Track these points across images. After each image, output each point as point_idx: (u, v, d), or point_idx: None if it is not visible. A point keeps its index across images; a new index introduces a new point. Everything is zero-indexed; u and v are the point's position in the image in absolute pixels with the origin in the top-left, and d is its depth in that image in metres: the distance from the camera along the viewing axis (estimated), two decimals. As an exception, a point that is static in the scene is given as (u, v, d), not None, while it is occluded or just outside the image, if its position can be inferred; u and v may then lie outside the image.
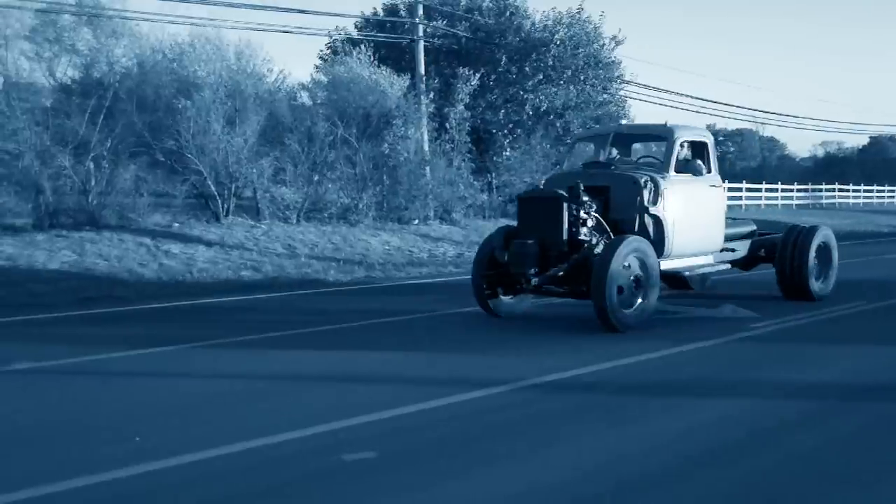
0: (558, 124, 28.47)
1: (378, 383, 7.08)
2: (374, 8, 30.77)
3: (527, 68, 28.05)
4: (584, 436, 5.64)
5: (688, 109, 76.15)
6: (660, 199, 9.95)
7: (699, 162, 10.64)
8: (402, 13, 29.30)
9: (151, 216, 17.85)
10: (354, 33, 28.86)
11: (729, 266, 11.42)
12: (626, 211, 9.96)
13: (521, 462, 5.13)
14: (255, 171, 19.21)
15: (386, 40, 27.38)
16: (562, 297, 10.14)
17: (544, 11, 29.18)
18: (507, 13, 28.79)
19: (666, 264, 10.08)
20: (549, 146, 26.97)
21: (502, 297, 10.37)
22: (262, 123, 19.65)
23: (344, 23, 30.56)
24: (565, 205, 9.61)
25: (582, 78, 28.19)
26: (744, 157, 74.47)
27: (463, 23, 28.72)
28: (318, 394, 6.77)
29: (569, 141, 11.94)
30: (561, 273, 9.54)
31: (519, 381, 7.05)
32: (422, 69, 25.97)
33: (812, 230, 11.92)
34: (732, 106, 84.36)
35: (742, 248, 11.68)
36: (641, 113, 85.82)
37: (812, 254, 11.63)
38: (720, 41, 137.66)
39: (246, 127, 19.15)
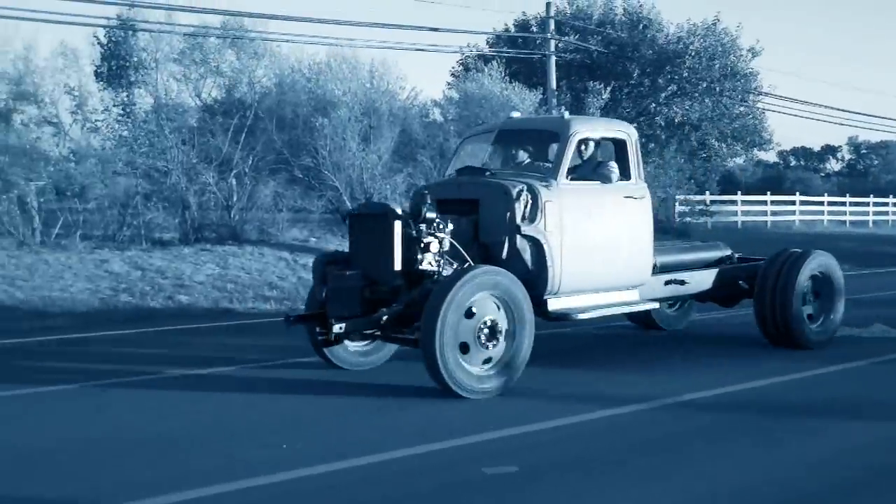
0: (693, 137, 27.98)
1: (514, 397, 7.08)
2: (506, 24, 31.00)
3: (660, 81, 27.70)
4: (724, 457, 5.50)
5: (828, 121, 73.49)
6: (540, 214, 7.54)
7: (612, 165, 8.26)
8: (534, 29, 29.40)
9: (289, 231, 18.40)
10: (486, 50, 29.09)
11: (656, 306, 8.90)
12: (496, 232, 7.63)
13: (662, 482, 5.04)
14: (388, 186, 19.55)
15: (517, 56, 27.49)
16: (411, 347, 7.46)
17: (678, 23, 28.76)
18: (641, 26, 28.51)
19: (555, 304, 7.76)
20: (683, 160, 26.54)
21: (347, 343, 7.98)
22: (396, 140, 19.98)
23: (475, 40, 30.83)
24: (398, 224, 7.25)
25: (718, 90, 27.64)
26: (889, 171, 71.17)
27: (595, 37, 28.57)
28: (457, 406, 6.82)
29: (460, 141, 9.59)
30: (385, 317, 7.22)
31: (656, 400, 6.93)
32: (553, 84, 25.98)
33: (802, 256, 9.20)
34: (877, 117, 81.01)
35: (701, 279, 9.13)
36: (780, 125, 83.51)
37: (800, 288, 9.02)
38: (863, 51, 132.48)
39: (380, 144, 19.51)
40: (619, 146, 8.43)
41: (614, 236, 8.09)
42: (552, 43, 26.65)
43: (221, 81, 20.58)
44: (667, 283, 8.76)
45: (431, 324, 6.77)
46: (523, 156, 8.64)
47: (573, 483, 5.00)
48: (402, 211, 7.39)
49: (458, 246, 7.45)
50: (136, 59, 19.22)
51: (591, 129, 8.37)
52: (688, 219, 26.83)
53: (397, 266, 7.25)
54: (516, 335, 7.18)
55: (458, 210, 7.76)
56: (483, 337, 7.03)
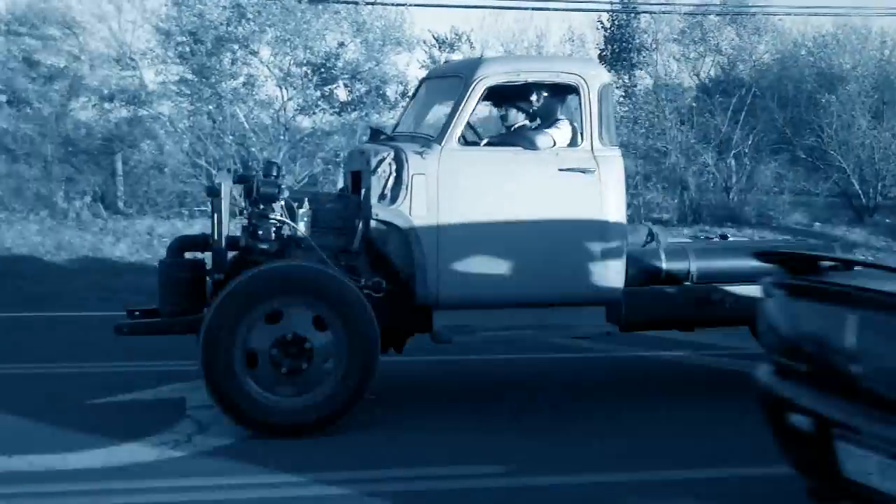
0: None
1: None
2: None
3: None
4: None
5: None
6: (404, 191, 5.55)
7: (557, 125, 5.94)
8: None
9: (791, 215, 17.73)
10: None
11: (614, 329, 5.95)
12: (357, 215, 5.81)
13: None
14: (903, 167, 18.02)
15: None
16: None
17: None
18: None
19: (444, 318, 5.65)
20: None
21: None
22: (914, 116, 18.30)
23: None
24: (221, 203, 5.61)
25: None
26: None
27: None
28: None
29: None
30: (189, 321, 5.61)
31: None
32: None
33: None
34: None
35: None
36: None
37: None
38: None
39: (894, 121, 18.02)
40: (572, 95, 6.03)
41: (537, 227, 5.71)
42: None
43: (720, 60, 20.39)
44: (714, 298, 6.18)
45: (205, 338, 5.22)
46: (514, 113, 6.20)
47: None
48: (249, 185, 5.78)
49: (306, 235, 5.61)
50: (637, 41, 19.75)
51: (509, 71, 5.95)
52: None
53: (222, 255, 5.70)
54: (347, 352, 5.30)
55: (355, 186, 6.08)
56: (286, 358, 5.25)
